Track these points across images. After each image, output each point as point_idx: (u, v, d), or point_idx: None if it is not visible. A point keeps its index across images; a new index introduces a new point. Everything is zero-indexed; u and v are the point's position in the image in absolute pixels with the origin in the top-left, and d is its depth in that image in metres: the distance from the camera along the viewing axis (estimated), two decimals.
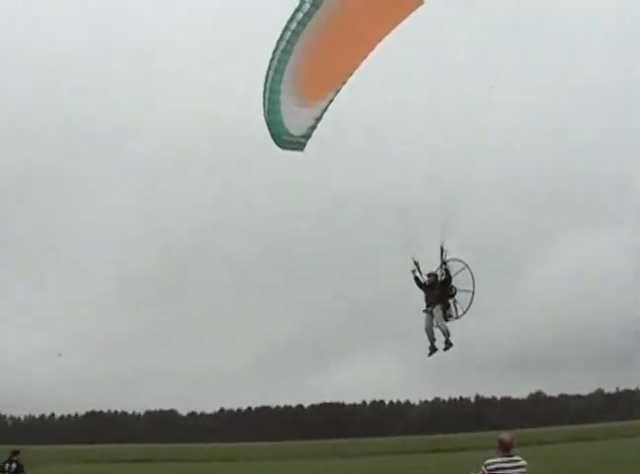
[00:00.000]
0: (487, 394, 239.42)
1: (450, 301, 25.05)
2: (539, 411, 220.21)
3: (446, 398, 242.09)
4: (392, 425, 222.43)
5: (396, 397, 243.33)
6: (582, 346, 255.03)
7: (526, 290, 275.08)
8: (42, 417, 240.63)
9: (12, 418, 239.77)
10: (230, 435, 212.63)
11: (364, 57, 22.73)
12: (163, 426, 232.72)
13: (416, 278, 25.33)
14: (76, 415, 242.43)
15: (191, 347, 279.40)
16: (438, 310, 24.88)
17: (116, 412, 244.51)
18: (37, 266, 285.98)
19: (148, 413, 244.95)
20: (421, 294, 25.39)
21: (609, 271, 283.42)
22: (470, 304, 24.64)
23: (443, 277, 24.96)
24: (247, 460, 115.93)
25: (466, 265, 24.63)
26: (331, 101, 23.60)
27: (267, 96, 23.00)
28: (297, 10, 21.95)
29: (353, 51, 22.68)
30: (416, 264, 25.19)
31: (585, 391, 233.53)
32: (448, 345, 24.96)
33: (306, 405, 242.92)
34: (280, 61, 22.44)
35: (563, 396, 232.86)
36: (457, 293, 24.95)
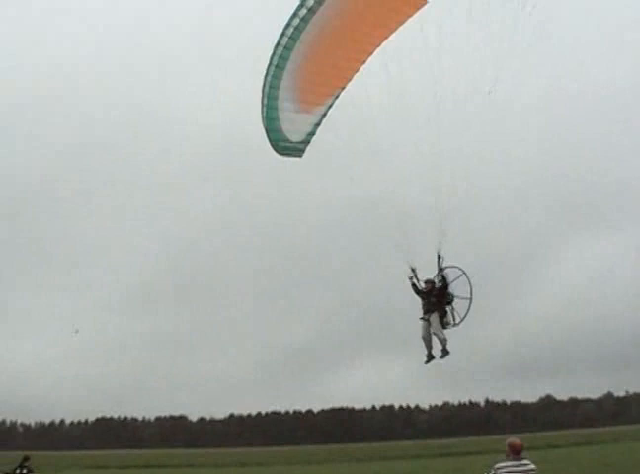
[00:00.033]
0: (497, 398, 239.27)
1: (448, 309, 24.82)
2: (549, 415, 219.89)
3: (456, 402, 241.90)
4: (402, 429, 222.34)
5: (406, 401, 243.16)
6: (592, 349, 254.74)
7: (536, 294, 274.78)
8: (53, 423, 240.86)
9: (22, 424, 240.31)
10: (240, 441, 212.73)
11: (363, 62, 22.74)
12: (173, 431, 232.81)
13: (413, 285, 25.09)
14: (86, 421, 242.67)
15: (201, 353, 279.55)
16: (434, 318, 24.65)
17: (126, 418, 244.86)
18: (49, 273, 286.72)
19: (158, 418, 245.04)
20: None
21: (620, 274, 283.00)
22: (468, 312, 24.44)
23: (441, 285, 24.72)
24: (257, 465, 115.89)
25: (464, 272, 24.42)
26: (330, 106, 23.56)
27: (264, 102, 22.93)
28: (294, 15, 21.95)
29: (351, 56, 22.65)
30: (413, 270, 24.97)
31: (595, 394, 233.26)
32: (445, 352, 24.76)
33: (316, 410, 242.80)
34: (277, 67, 22.40)
35: (573, 400, 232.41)
36: (455, 300, 24.73)
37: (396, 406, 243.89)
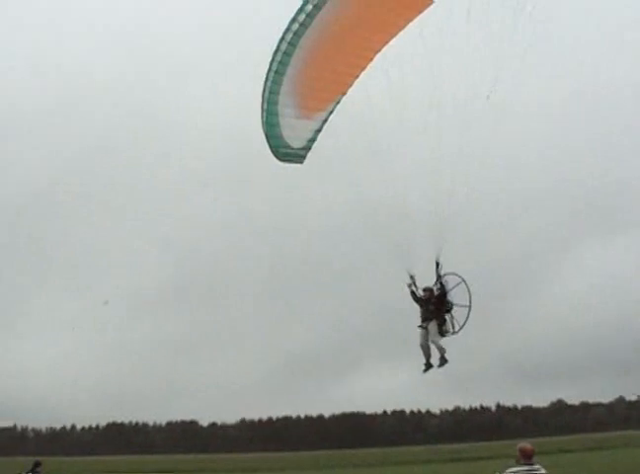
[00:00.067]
0: (508, 403, 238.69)
1: (447, 317, 24.64)
2: (560, 419, 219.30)
3: (467, 407, 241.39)
4: (413, 434, 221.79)
5: (417, 406, 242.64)
6: (603, 353, 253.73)
7: (548, 298, 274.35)
8: (64, 428, 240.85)
9: (34, 429, 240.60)
10: (251, 446, 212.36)
11: (364, 68, 22.62)
12: (184, 436, 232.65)
13: (412, 293, 24.89)
14: (97, 426, 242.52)
15: (212, 357, 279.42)
16: (433, 326, 24.51)
17: (137, 423, 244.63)
18: (58, 279, 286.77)
19: (169, 424, 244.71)
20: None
21: (631, 278, 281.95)
22: (467, 320, 24.25)
23: (439, 292, 24.57)
24: (268, 470, 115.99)
25: (463, 279, 24.24)
26: (331, 112, 23.44)
27: (264, 107, 22.84)
28: (293, 20, 21.87)
29: (352, 62, 22.56)
30: (412, 278, 24.78)
31: (606, 399, 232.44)
32: (443, 361, 24.64)
33: (327, 415, 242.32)
34: (276, 72, 22.31)
35: (584, 404, 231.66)
36: (454, 308, 24.55)
37: (407, 411, 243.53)
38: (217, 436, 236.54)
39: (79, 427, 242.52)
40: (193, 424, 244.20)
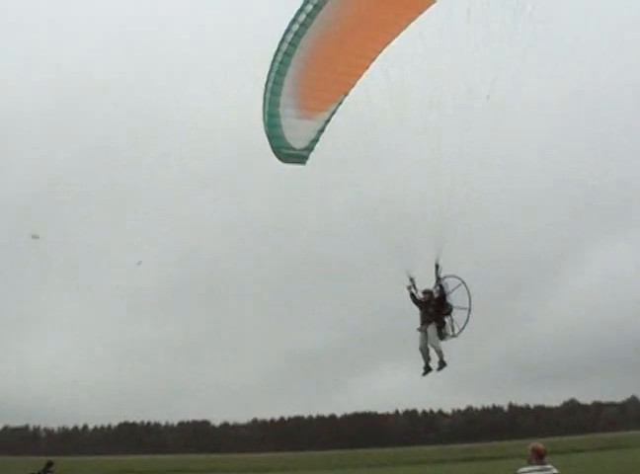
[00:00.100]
0: (520, 402, 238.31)
1: (447, 319, 24.44)
2: (573, 419, 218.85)
3: (479, 407, 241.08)
4: (425, 434, 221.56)
5: (429, 406, 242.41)
6: (615, 353, 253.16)
7: (560, 298, 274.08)
8: (76, 428, 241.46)
9: (46, 429, 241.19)
10: (263, 446, 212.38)
11: (366, 68, 22.52)
12: (196, 436, 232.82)
13: (412, 295, 24.69)
14: (109, 426, 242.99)
15: (224, 358, 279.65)
16: (432, 329, 24.30)
17: (149, 423, 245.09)
18: (67, 279, 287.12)
19: (181, 423, 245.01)
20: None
21: None
22: (466, 322, 24.03)
23: (439, 295, 24.38)
24: (280, 470, 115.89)
25: (463, 281, 24.04)
26: (333, 113, 23.27)
27: (265, 108, 22.69)
28: (293, 20, 21.74)
29: (353, 62, 22.44)
30: (411, 280, 24.61)
31: (619, 398, 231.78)
32: (442, 365, 24.39)
33: (339, 415, 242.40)
34: (277, 72, 22.18)
35: (597, 404, 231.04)
36: (454, 311, 24.32)
37: (419, 411, 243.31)
38: (229, 436, 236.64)
39: (91, 426, 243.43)
40: (204, 424, 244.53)
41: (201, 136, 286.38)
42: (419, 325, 24.70)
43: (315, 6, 21.48)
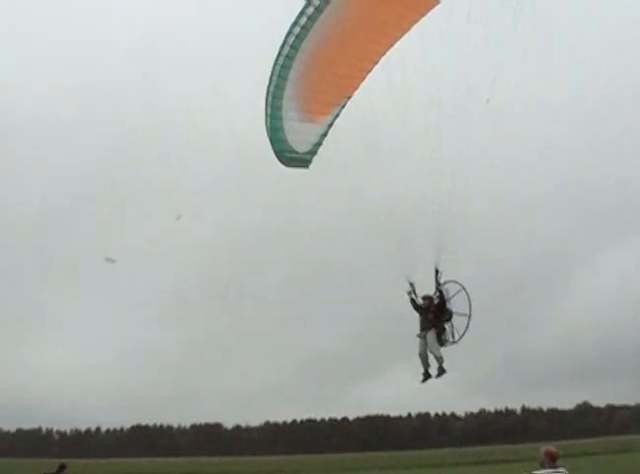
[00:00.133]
0: (533, 405, 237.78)
1: (447, 326, 24.26)
2: (585, 422, 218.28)
3: (492, 409, 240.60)
4: (437, 437, 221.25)
5: (441, 409, 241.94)
6: (629, 355, 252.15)
7: (573, 299, 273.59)
8: (89, 431, 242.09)
9: (59, 432, 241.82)
10: (276, 448, 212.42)
11: (369, 71, 22.33)
12: (208, 439, 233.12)
13: (412, 301, 24.53)
14: (122, 429, 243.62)
15: (235, 360, 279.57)
16: (431, 335, 24.09)
17: (161, 425, 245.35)
18: (82, 282, 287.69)
19: (194, 426, 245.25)
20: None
21: None
22: (467, 329, 23.88)
23: (439, 300, 24.20)
24: (292, 473, 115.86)
25: (463, 287, 23.85)
26: (337, 116, 23.05)
27: (268, 112, 22.48)
28: (295, 23, 21.59)
29: (355, 64, 22.27)
30: (411, 285, 24.44)
31: (632, 401, 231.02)
32: (441, 371, 24.20)
33: (351, 418, 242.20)
34: (279, 76, 22.01)
35: (610, 406, 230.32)
36: (454, 317, 24.14)
37: (432, 413, 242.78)
38: (241, 439, 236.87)
39: (104, 429, 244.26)
40: (217, 426, 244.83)
41: (204, 138, 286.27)
42: (418, 331, 24.61)
43: (316, 9, 21.34)
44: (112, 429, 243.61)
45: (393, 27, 21.84)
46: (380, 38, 22.01)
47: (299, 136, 22.90)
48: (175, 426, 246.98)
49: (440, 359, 24.16)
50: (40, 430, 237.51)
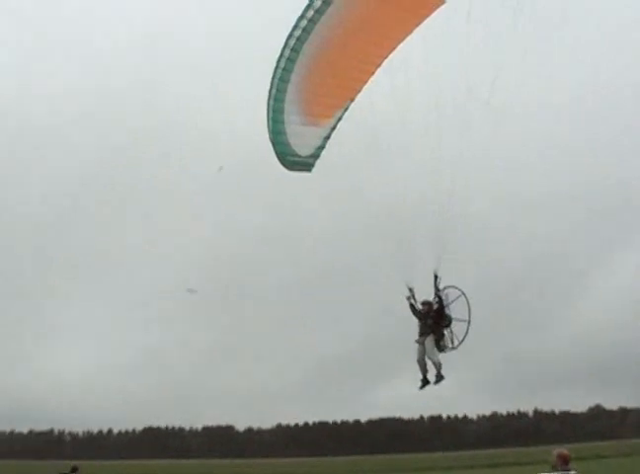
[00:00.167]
0: (545, 408, 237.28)
1: (446, 331, 24.09)
2: (598, 424, 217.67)
3: (504, 412, 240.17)
4: (450, 439, 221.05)
5: (453, 412, 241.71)
6: None
7: (587, 301, 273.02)
8: (101, 432, 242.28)
9: (70, 433, 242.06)
10: (287, 451, 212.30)
11: (372, 74, 22.22)
12: (220, 441, 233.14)
13: (411, 306, 24.36)
14: (134, 430, 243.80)
15: (247, 363, 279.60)
16: (429, 341, 23.96)
17: (173, 428, 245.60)
18: (94, 283, 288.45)
19: (206, 428, 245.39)
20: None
21: None
22: (466, 335, 23.68)
23: (438, 306, 24.03)
24: None
25: (463, 293, 23.66)
26: (340, 119, 22.93)
27: (270, 115, 22.38)
28: (295, 26, 21.48)
29: (356, 67, 22.12)
30: (411, 291, 24.28)
31: None
32: (439, 378, 24.05)
33: (363, 420, 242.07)
34: (280, 79, 21.90)
35: (622, 409, 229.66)
36: (453, 323, 23.97)
37: (444, 416, 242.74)
38: (253, 441, 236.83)
39: (115, 431, 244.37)
40: (229, 429, 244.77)
41: (204, 138, 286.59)
42: (417, 337, 24.46)
43: (317, 11, 21.25)
44: (123, 430, 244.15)
45: (396, 29, 21.74)
46: (383, 40, 21.89)
47: (302, 140, 22.80)
48: (187, 428, 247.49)
49: (438, 365, 24.04)
50: (51, 431, 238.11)
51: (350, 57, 21.94)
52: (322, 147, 23.23)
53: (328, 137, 23.12)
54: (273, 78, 22.02)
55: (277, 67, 21.89)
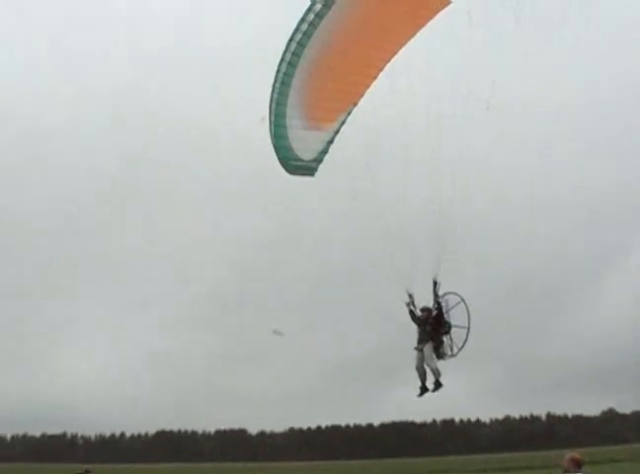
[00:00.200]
0: (558, 411, 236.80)
1: (445, 338, 23.90)
2: (611, 428, 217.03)
3: (517, 416, 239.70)
4: (463, 443, 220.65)
5: (466, 415, 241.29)
6: None
7: (599, 306, 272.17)
8: (113, 436, 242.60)
9: (83, 437, 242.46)
10: (300, 454, 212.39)
11: (374, 78, 21.95)
12: (233, 445, 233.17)
13: (410, 312, 24.13)
14: (147, 434, 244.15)
15: (260, 366, 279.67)
16: (428, 348, 23.76)
17: (186, 431, 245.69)
18: (107, 287, 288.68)
19: (218, 432, 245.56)
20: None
21: None
22: (465, 342, 23.52)
23: (437, 312, 23.84)
24: None
25: (462, 299, 23.51)
26: (343, 123, 22.67)
27: (272, 119, 22.19)
28: (296, 30, 21.35)
29: (357, 71, 21.92)
30: (410, 297, 24.06)
31: None
32: (438, 385, 23.97)
33: (376, 424, 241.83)
34: (282, 83, 21.76)
35: (636, 413, 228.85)
36: (452, 330, 23.77)
37: (457, 420, 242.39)
38: (266, 445, 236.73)
39: (128, 434, 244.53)
40: (241, 432, 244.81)
41: (204, 138, 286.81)
42: (416, 344, 24.28)
43: (318, 15, 21.14)
44: (136, 434, 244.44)
45: (398, 32, 21.57)
46: (385, 43, 21.72)
47: (304, 144, 22.61)
48: (199, 431, 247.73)
49: (436, 373, 23.91)
50: (64, 435, 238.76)
51: (352, 61, 21.79)
52: (325, 151, 23.02)
53: (331, 142, 22.88)
54: (274, 82, 21.90)
55: (278, 71, 21.76)
